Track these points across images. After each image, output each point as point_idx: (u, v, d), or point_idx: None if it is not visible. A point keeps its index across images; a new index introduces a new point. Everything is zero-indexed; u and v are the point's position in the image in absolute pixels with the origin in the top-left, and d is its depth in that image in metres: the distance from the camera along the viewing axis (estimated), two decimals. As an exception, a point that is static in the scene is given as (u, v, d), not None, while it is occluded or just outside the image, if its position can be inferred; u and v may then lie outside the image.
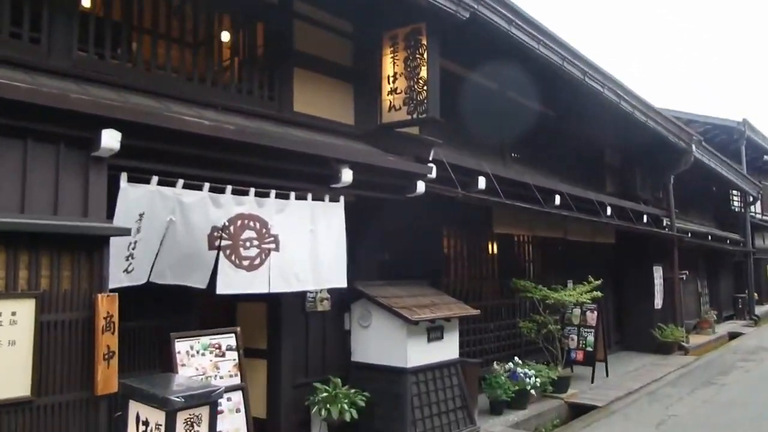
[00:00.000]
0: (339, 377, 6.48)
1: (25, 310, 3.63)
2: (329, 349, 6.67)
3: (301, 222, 5.65)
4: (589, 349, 10.08)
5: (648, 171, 13.91)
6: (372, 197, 6.62)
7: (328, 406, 5.95)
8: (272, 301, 6.24)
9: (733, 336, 16.92)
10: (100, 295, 3.89)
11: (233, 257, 5.14)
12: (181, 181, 4.74)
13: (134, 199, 4.49)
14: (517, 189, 8.06)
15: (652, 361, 12.21)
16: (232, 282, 5.11)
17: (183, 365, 4.33)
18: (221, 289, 5.03)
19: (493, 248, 9.48)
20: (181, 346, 4.37)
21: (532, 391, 7.94)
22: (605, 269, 13.05)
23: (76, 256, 3.92)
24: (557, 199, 9.01)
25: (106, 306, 3.91)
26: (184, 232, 4.79)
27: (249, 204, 5.25)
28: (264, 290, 5.36)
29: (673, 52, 78.26)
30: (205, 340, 4.54)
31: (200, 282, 4.94)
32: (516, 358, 8.44)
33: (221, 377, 4.53)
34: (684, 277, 14.36)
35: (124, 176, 4.44)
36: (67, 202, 3.94)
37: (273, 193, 5.42)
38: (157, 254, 4.67)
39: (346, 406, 5.91)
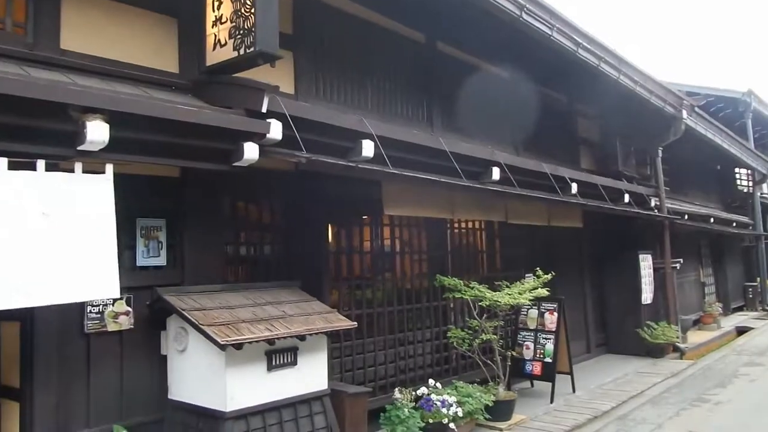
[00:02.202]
0: (151, 422, 4.60)
1: None
2: (131, 384, 4.72)
3: (22, 205, 3.70)
4: (548, 359, 8.06)
5: (632, 144, 11.78)
6: (195, 168, 4.70)
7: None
8: (24, 319, 4.31)
9: (741, 331, 14.77)
10: None
11: None
12: None
13: None
14: (424, 157, 6.03)
15: (637, 368, 10.11)
16: None
17: None
18: None
19: (411, 237, 7.45)
20: None
21: (452, 426, 5.94)
22: (583, 259, 11.08)
23: None
24: (495, 173, 6.99)
25: None
26: None
27: None
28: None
29: (676, 22, 74.00)
30: None
31: None
32: (431, 380, 6.43)
33: None
34: (678, 266, 12.21)
35: None
36: None
37: (-43, 159, 3.48)
38: None
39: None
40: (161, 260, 5.01)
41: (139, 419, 4.67)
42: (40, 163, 3.79)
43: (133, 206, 4.83)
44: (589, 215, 10.37)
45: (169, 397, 4.79)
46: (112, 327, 4.65)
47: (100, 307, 4.60)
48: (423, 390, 6.20)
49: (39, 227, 3.74)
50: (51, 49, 4.39)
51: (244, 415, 4.42)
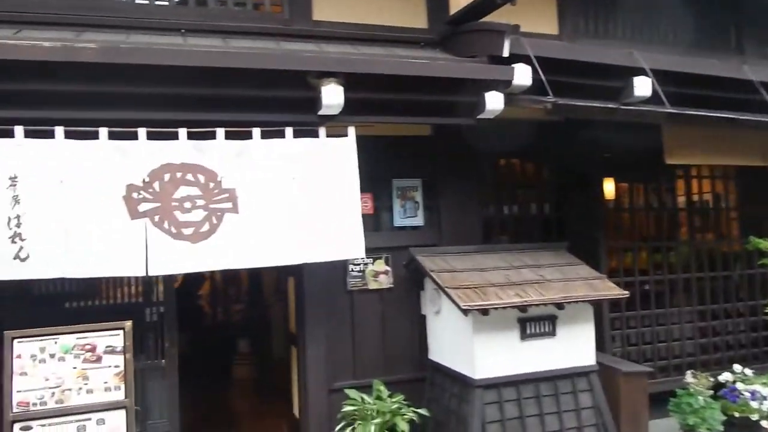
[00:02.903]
0: (411, 380, 4.69)
1: None
2: (392, 341, 4.84)
3: (274, 170, 3.99)
4: None
5: None
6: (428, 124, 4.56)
7: (358, 424, 4.22)
8: (297, 274, 4.73)
9: None
10: None
11: (166, 224, 3.79)
12: (59, 130, 3.59)
13: (-5, 159, 3.50)
14: (720, 91, 4.77)
15: None
16: (169, 258, 3.77)
17: (23, 374, 3.21)
18: (154, 268, 3.74)
19: (714, 191, 6.07)
20: (22, 349, 3.24)
21: (765, 424, 4.75)
22: None
23: None
24: None
25: None
26: (86, 200, 3.63)
27: (181, 150, 3.83)
28: (215, 267, 3.92)
29: None
30: (68, 339, 3.32)
31: (134, 268, 3.69)
32: (737, 366, 5.21)
33: (90, 391, 3.27)
34: None
35: (-25, 130, 3.48)
36: None
37: (221, 132, 3.89)
38: (65, 234, 3.57)
39: (367, 430, 4.09)
40: (418, 220, 4.99)
41: (400, 376, 4.76)
42: (288, 131, 4.03)
43: (388, 167, 4.90)
44: None
45: (429, 357, 4.79)
46: (372, 285, 4.81)
47: (361, 266, 4.79)
48: (726, 376, 5.08)
49: (289, 191, 4.00)
50: (304, 22, 4.63)
51: (495, 384, 4.15)
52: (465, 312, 3.95)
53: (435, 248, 4.76)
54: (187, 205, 3.83)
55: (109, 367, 3.29)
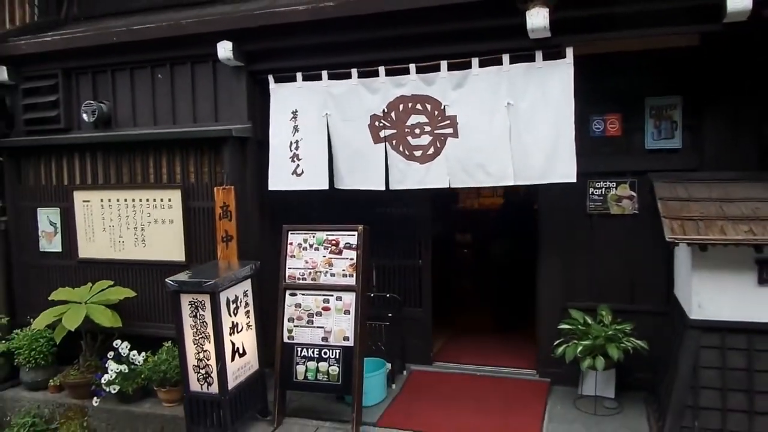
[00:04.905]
0: (653, 312, 4.55)
1: (176, 197, 4.85)
2: (634, 270, 4.64)
3: (491, 96, 4.28)
4: None
5: None
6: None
7: (572, 342, 4.37)
8: (537, 194, 4.94)
9: None
10: (216, 188, 4.64)
11: (401, 148, 4.57)
12: (325, 73, 4.64)
13: (283, 98, 4.81)
14: None
15: None
16: (405, 177, 4.59)
17: (292, 256, 4.40)
18: (393, 184, 4.62)
19: None
20: (294, 238, 4.40)
21: None
22: None
23: (210, 155, 4.79)
24: None
25: (222, 197, 4.62)
26: (343, 127, 4.68)
27: (411, 83, 4.48)
28: (440, 185, 4.51)
29: None
30: (321, 234, 4.35)
31: (376, 183, 4.62)
32: None
33: (332, 274, 4.28)
34: None
35: (271, 78, 4.82)
36: (201, 111, 4.86)
37: (444, 64, 4.37)
38: (330, 156, 4.75)
39: (574, 349, 4.20)
40: (675, 143, 4.52)
41: (638, 306, 4.58)
42: (505, 57, 4.24)
43: (641, 84, 4.56)
44: None
45: (674, 291, 4.45)
46: (614, 210, 4.66)
47: (602, 189, 4.68)
48: None
49: (505, 116, 4.25)
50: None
51: (718, 328, 3.70)
52: (669, 244, 3.62)
53: (685, 174, 4.28)
54: (417, 131, 4.51)
55: (347, 259, 4.31)
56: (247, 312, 4.19)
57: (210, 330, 3.86)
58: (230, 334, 3.97)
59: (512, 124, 4.24)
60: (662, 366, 4.18)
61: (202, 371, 3.92)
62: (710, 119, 4.39)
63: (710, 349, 3.73)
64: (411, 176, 4.56)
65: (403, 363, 5.10)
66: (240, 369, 4.07)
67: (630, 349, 4.18)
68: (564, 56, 4.11)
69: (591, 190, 4.71)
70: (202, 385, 3.93)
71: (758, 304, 3.65)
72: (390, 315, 4.89)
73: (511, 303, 6.23)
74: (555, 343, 4.48)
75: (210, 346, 3.87)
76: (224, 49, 4.61)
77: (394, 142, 4.57)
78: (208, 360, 3.89)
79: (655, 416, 4.06)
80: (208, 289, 3.83)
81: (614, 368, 4.34)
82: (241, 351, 4.08)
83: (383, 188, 4.61)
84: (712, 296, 3.72)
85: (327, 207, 5.09)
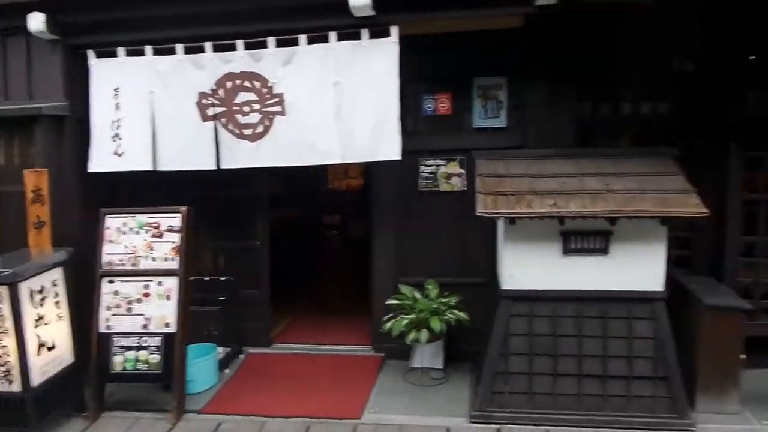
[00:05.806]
0: (480, 284, 4.71)
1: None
2: (463, 245, 4.83)
3: (318, 74, 4.24)
4: None
5: None
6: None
7: (401, 316, 4.47)
8: (371, 171, 4.99)
9: None
10: (26, 171, 4.28)
11: (231, 126, 4.43)
12: (149, 48, 4.39)
13: (104, 74, 4.51)
14: None
15: None
16: (236, 156, 4.46)
17: (111, 242, 4.18)
18: (224, 162, 4.47)
19: None
20: (112, 222, 4.19)
21: None
22: None
23: (21, 136, 4.40)
24: None
25: (34, 181, 4.27)
26: (170, 105, 4.46)
27: (239, 60, 4.34)
28: (270, 164, 4.42)
29: None
30: (142, 217, 4.17)
31: (206, 162, 4.45)
32: None
33: (154, 259, 4.12)
34: None
35: (91, 53, 4.50)
36: (15, 87, 4.44)
37: (272, 40, 4.26)
38: (153, 135, 4.50)
39: (400, 324, 4.31)
40: (500, 121, 4.72)
41: (468, 279, 4.80)
42: (332, 35, 4.20)
43: (469, 65, 4.69)
44: None
45: (496, 265, 4.66)
46: (444, 187, 4.81)
47: (432, 167, 4.80)
48: None
49: (331, 94, 4.22)
50: None
51: (527, 297, 3.93)
52: (481, 218, 3.78)
53: (508, 151, 4.47)
54: (246, 108, 4.38)
55: (169, 242, 4.13)
56: (57, 302, 3.92)
57: (9, 324, 3.56)
58: (35, 327, 3.70)
59: (340, 102, 4.23)
60: (484, 336, 4.38)
61: (2, 368, 3.62)
62: (531, 99, 4.61)
63: (519, 318, 3.96)
64: (242, 155, 4.44)
65: (240, 347, 5.01)
66: (48, 364, 3.80)
67: (453, 321, 4.35)
68: (389, 35, 4.15)
69: (422, 168, 4.83)
70: (2, 383, 3.64)
71: (562, 274, 3.90)
72: (222, 298, 4.77)
73: (363, 282, 6.30)
74: (383, 318, 4.58)
75: (10, 341, 3.58)
76: (36, 21, 4.25)
77: (223, 120, 4.42)
78: (8, 356, 3.60)
79: (475, 384, 4.26)
80: (4, 280, 3.53)
81: (441, 340, 4.50)
82: (49, 344, 3.81)
83: (214, 168, 4.46)
84: (522, 267, 3.93)
85: (161, 189, 4.84)
